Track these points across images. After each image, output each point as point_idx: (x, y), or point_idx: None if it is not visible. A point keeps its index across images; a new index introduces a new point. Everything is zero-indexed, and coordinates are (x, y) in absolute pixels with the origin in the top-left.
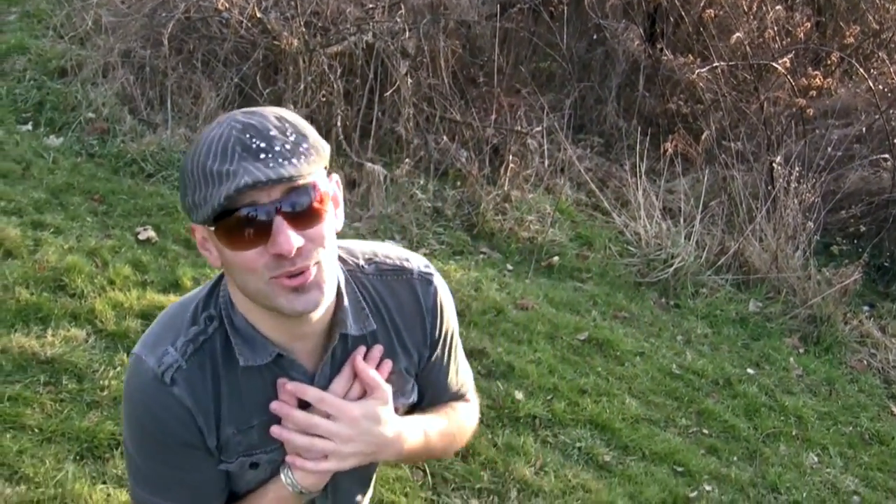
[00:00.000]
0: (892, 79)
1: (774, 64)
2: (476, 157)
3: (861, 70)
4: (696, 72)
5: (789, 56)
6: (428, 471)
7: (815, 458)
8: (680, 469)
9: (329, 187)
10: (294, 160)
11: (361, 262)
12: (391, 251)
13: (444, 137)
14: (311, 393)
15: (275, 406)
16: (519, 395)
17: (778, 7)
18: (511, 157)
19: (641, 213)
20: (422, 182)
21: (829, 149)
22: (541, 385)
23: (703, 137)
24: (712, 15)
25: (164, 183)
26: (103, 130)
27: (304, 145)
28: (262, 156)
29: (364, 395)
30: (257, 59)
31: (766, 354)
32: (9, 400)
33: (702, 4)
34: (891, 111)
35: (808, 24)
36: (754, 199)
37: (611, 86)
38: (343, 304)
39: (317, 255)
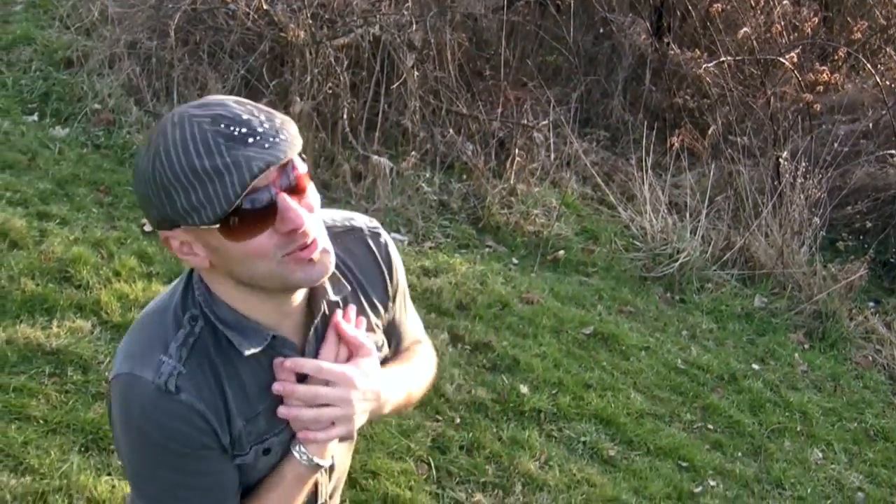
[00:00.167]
0: None
1: (781, 59)
2: (482, 150)
3: (868, 65)
4: (703, 66)
5: (796, 51)
6: (433, 464)
7: (820, 454)
8: (685, 464)
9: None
10: (280, 136)
11: None
12: (335, 214)
13: (451, 130)
14: (308, 365)
15: (277, 387)
16: (524, 389)
17: (785, 2)
18: (517, 150)
19: (647, 207)
20: (428, 175)
21: (836, 144)
22: (546, 379)
23: (709, 132)
24: (719, 9)
25: None
26: (109, 122)
27: (276, 120)
28: (251, 140)
29: (351, 356)
30: (264, 50)
31: (772, 350)
32: (14, 391)
33: None
34: None
35: (816, 20)
36: (760, 194)
37: (617, 80)
38: None
39: (316, 223)
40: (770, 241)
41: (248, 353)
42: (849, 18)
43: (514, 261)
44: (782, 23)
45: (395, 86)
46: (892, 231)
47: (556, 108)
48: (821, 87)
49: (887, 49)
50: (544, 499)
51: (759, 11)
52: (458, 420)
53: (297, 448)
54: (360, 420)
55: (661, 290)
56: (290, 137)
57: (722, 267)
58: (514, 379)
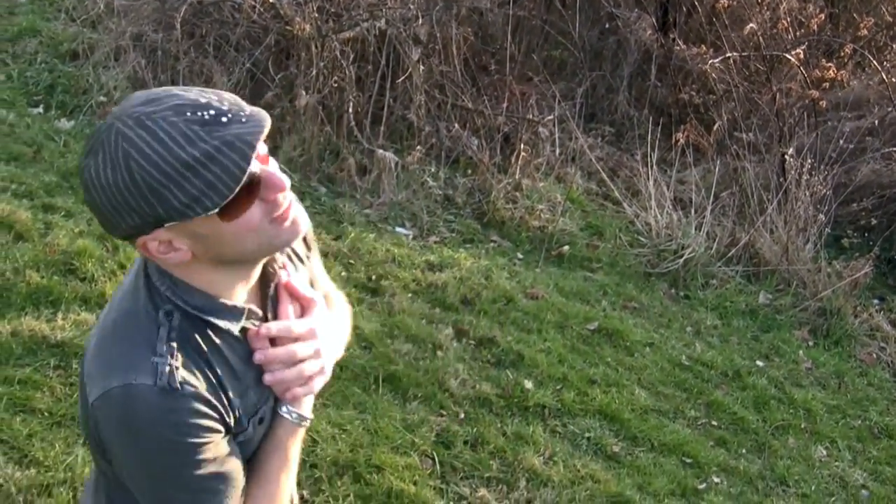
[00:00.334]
0: None
1: (787, 55)
2: (487, 145)
3: (874, 62)
4: (709, 62)
5: (802, 47)
6: (437, 459)
7: (824, 452)
8: (689, 461)
9: None
10: (246, 110)
11: None
12: None
13: (456, 125)
14: (278, 327)
15: (259, 356)
16: (528, 385)
17: None
18: (522, 145)
19: (652, 203)
20: (433, 169)
21: (841, 141)
22: (550, 374)
23: (714, 128)
24: (725, 5)
25: None
26: None
27: (226, 95)
28: (224, 119)
29: (304, 311)
30: (269, 44)
31: (776, 347)
32: (19, 383)
33: None
34: None
35: (822, 16)
36: (765, 190)
37: (622, 75)
38: None
39: None
40: (775, 238)
41: (237, 330)
42: (855, 15)
43: (519, 256)
44: (788, 19)
45: (400, 80)
46: None
47: (562, 103)
48: (827, 84)
49: (893, 46)
50: (548, 494)
51: (765, 7)
52: (462, 415)
53: (283, 409)
54: (330, 368)
55: (665, 286)
56: (254, 110)
57: (727, 263)
58: (519, 374)
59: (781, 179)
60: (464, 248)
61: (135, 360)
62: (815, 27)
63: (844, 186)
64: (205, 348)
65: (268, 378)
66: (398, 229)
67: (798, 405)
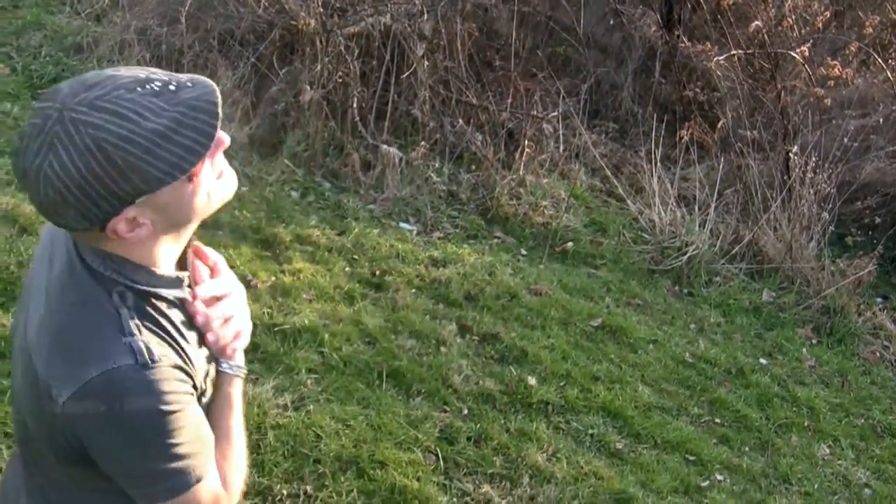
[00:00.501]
0: None
1: (792, 53)
2: (491, 140)
3: (879, 60)
4: (714, 59)
5: (807, 45)
6: (440, 455)
7: (827, 450)
8: (692, 458)
9: None
10: (181, 77)
11: None
12: None
13: (460, 121)
14: (205, 288)
15: (200, 319)
16: (532, 381)
17: None
18: (526, 141)
19: (656, 200)
20: (437, 165)
21: (846, 139)
22: (554, 371)
23: (718, 125)
24: (730, 2)
25: None
26: None
27: (153, 68)
28: (172, 87)
29: (213, 272)
30: (274, 39)
31: (779, 345)
32: None
33: None
34: None
35: (827, 14)
36: (769, 188)
37: (627, 72)
38: None
39: None
40: (779, 236)
41: (191, 297)
42: (860, 13)
43: (523, 252)
44: (793, 16)
45: (405, 75)
46: None
47: (566, 100)
48: (831, 82)
49: None
50: (551, 491)
51: (770, 5)
52: (465, 411)
53: (225, 366)
54: (249, 317)
55: (669, 284)
56: (191, 75)
57: (730, 261)
58: (522, 370)
59: (785, 177)
60: (467, 244)
61: (106, 345)
62: (821, 25)
63: (848, 184)
64: (161, 320)
65: (210, 337)
66: (402, 225)
67: (801, 403)
